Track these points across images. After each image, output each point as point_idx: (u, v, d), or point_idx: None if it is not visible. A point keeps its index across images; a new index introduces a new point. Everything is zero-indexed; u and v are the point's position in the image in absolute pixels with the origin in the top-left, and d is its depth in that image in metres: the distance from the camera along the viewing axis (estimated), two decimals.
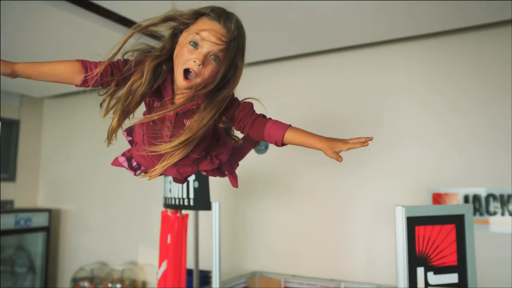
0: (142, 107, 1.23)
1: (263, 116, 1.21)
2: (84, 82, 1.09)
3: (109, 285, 4.11)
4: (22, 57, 2.80)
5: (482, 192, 2.97)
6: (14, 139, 4.99)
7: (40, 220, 4.69)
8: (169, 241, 2.29)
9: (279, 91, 3.72)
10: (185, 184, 2.30)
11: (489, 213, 2.97)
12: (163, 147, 1.14)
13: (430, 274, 1.79)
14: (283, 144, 1.19)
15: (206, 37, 1.04)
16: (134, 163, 1.43)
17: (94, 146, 4.77)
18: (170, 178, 2.51)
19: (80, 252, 4.76)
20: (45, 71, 1.05)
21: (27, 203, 5.05)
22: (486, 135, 2.94)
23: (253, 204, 3.74)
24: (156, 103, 1.18)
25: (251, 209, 3.75)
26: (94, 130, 4.82)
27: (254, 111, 1.22)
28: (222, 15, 1.08)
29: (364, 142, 1.09)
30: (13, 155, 4.97)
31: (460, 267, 1.83)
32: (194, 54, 1.05)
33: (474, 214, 3.01)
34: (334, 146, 1.10)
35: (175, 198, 2.38)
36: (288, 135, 1.16)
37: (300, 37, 3.08)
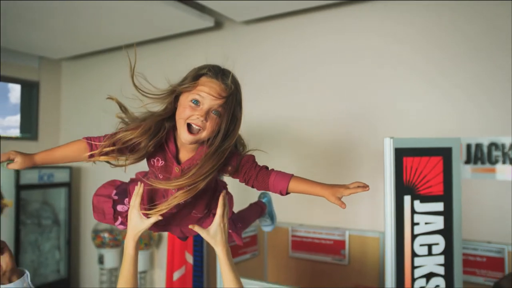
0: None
1: (266, 167, 1.28)
2: (91, 157, 1.21)
3: None
4: None
5: (484, 141, 3.02)
6: (34, 100, 5.21)
7: (62, 176, 4.96)
8: None
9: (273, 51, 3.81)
10: None
11: (491, 161, 3.03)
12: (167, 185, 1.17)
13: (416, 202, 1.91)
14: (287, 193, 1.24)
15: (206, 94, 1.12)
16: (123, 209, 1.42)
17: (111, 105, 4.96)
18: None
19: None
20: (57, 157, 1.20)
21: None
22: (487, 84, 2.96)
23: (261, 158, 3.87)
24: (160, 162, 1.23)
25: (260, 161, 3.88)
26: (110, 89, 4.99)
27: (257, 163, 1.28)
28: (219, 73, 1.17)
29: (365, 187, 1.16)
30: (34, 115, 5.21)
31: (446, 197, 1.94)
32: (196, 111, 1.12)
33: (476, 162, 3.08)
34: (336, 192, 1.17)
35: None
36: (292, 185, 1.23)
37: None
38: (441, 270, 1.93)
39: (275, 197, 3.69)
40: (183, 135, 1.14)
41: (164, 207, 1.18)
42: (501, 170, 2.96)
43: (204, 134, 1.14)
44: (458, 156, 1.96)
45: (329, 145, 3.55)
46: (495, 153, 3.00)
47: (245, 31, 4.01)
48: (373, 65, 3.34)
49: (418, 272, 1.92)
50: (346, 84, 3.46)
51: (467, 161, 3.08)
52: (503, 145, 2.97)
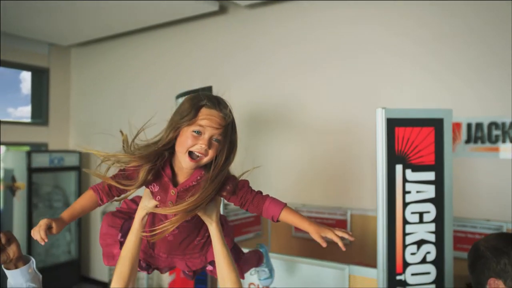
0: None
1: (261, 192, 1.35)
2: (102, 201, 1.30)
3: None
4: None
5: (485, 121, 3.04)
6: (45, 86, 5.35)
7: (71, 160, 5.10)
8: None
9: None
10: None
11: (491, 140, 3.05)
12: (167, 210, 1.25)
13: (408, 171, 1.96)
14: (277, 220, 1.31)
15: (207, 124, 1.19)
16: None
17: (119, 91, 5.08)
18: (180, 99, 2.72)
19: None
20: (79, 210, 1.28)
21: (59, 145, 5.47)
22: (487, 64, 2.98)
23: (265, 139, 3.94)
24: (156, 187, 1.29)
25: (263, 144, 3.95)
26: (118, 75, 5.12)
27: (252, 188, 1.35)
28: (216, 103, 1.23)
29: (349, 236, 1.23)
30: (45, 101, 5.35)
31: (437, 166, 1.98)
32: (199, 140, 1.19)
33: (476, 142, 3.10)
34: (321, 231, 1.23)
35: None
36: (283, 214, 1.29)
37: None
38: (432, 238, 1.98)
39: (280, 177, 3.80)
40: (186, 163, 1.22)
41: (168, 224, 1.25)
42: (504, 149, 2.99)
43: (205, 160, 1.22)
44: (450, 127, 2.00)
45: (332, 124, 3.60)
46: (495, 132, 3.02)
47: (250, 15, 4.07)
48: (376, 51, 3.39)
49: (409, 239, 1.97)
50: (348, 68, 3.51)
51: (468, 141, 3.11)
52: (503, 124, 2.99)
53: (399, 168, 1.95)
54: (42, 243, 1.15)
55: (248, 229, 3.55)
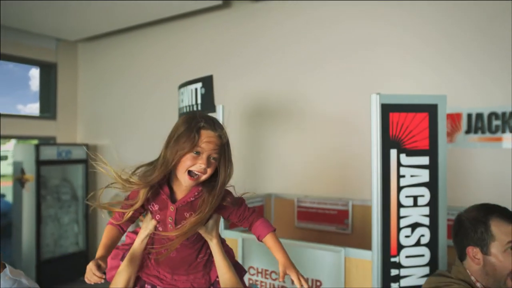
0: None
1: (255, 211, 1.44)
2: (122, 230, 1.37)
3: None
4: None
5: (485, 111, 3.06)
6: (52, 81, 5.45)
7: (79, 153, 5.19)
8: None
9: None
10: (193, 92, 2.57)
11: (491, 131, 3.07)
12: (171, 233, 1.31)
13: (402, 156, 2.00)
14: (260, 241, 1.40)
15: (205, 145, 1.25)
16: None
17: (126, 85, 5.16)
18: (182, 90, 2.79)
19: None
20: (109, 245, 1.33)
21: (67, 139, 5.58)
22: (487, 55, 3.00)
23: (268, 132, 4.00)
24: (155, 206, 1.35)
25: (267, 136, 4.01)
26: (125, 70, 5.20)
27: (247, 206, 1.44)
28: (213, 124, 1.29)
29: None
30: (53, 96, 5.45)
31: (432, 151, 2.02)
32: (198, 159, 1.25)
33: (476, 132, 3.13)
34: (288, 268, 1.30)
35: (186, 106, 2.67)
36: (268, 237, 1.38)
37: None
38: (426, 221, 2.02)
39: (284, 169, 3.86)
40: (186, 182, 1.28)
41: (174, 243, 1.31)
42: (505, 139, 3.00)
43: (203, 177, 1.28)
44: (444, 113, 2.04)
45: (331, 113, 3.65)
46: (495, 122, 3.04)
47: (253, 9, 4.12)
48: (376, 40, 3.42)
49: (403, 222, 2.01)
50: (351, 61, 3.55)
51: (468, 131, 3.13)
52: (503, 114, 3.01)
53: (393, 152, 1.99)
54: (102, 281, 1.20)
55: None
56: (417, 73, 3.24)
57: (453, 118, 3.20)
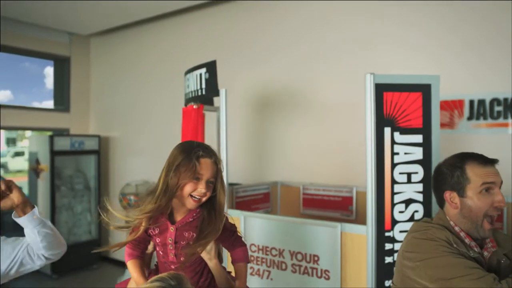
0: None
1: (240, 237, 1.55)
2: (142, 254, 1.50)
3: None
4: None
5: (487, 97, 3.09)
6: (66, 74, 5.62)
7: (91, 144, 5.36)
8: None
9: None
10: (198, 77, 2.67)
11: (493, 116, 3.09)
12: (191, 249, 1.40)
13: (396, 134, 2.07)
14: (232, 264, 1.52)
15: (204, 172, 1.36)
16: None
17: (137, 78, 5.29)
18: (188, 76, 2.89)
19: (126, 172, 5.41)
20: (142, 274, 1.45)
21: (80, 130, 5.74)
22: (488, 41, 3.03)
23: (275, 120, 4.08)
24: (156, 230, 1.44)
25: (273, 125, 4.09)
26: (136, 63, 5.33)
27: (235, 230, 1.55)
28: (208, 152, 1.39)
29: None
30: (66, 89, 5.62)
31: (425, 130, 2.08)
32: (199, 184, 1.36)
33: (478, 118, 3.16)
34: None
35: (191, 91, 2.77)
36: (240, 265, 1.51)
37: None
38: (419, 197, 2.08)
39: (290, 157, 3.93)
40: (190, 205, 1.39)
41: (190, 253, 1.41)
42: (507, 125, 3.02)
43: (204, 199, 1.39)
44: (438, 92, 2.09)
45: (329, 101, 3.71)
46: (497, 108, 3.07)
47: (262, 3, 4.22)
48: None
49: (397, 198, 2.08)
50: (355, 54, 3.62)
51: (470, 117, 3.17)
52: (505, 100, 3.03)
53: (387, 130, 2.06)
54: None
55: (258, 206, 3.67)
56: (419, 64, 3.28)
57: (455, 105, 3.23)
